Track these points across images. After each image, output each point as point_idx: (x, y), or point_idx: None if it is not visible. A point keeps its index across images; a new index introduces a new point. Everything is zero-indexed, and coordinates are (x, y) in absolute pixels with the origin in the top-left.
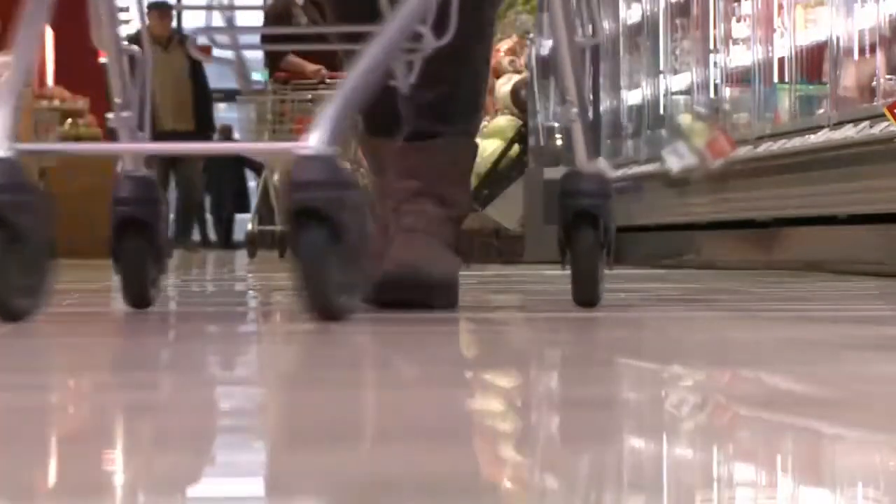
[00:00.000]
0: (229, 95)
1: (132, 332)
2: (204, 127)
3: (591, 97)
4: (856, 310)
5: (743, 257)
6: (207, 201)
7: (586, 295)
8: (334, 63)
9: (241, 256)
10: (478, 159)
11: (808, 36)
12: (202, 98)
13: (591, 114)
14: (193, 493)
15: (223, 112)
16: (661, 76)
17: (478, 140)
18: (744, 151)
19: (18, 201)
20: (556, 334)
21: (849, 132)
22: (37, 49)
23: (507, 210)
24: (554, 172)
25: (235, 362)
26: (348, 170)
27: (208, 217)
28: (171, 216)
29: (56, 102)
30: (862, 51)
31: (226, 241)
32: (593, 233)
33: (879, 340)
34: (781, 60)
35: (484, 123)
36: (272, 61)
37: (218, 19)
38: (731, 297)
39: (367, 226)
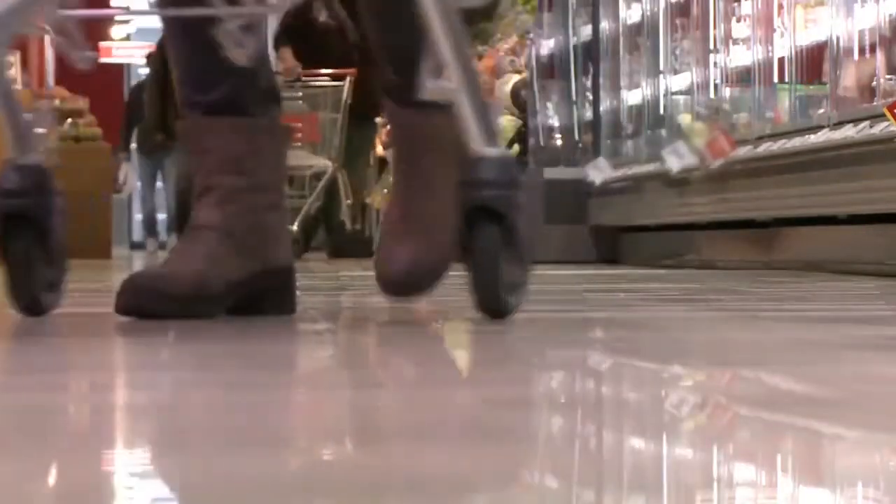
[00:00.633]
0: None
1: (130, 332)
2: None
3: (592, 97)
4: (856, 310)
5: (743, 257)
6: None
7: (488, 303)
8: (331, 60)
9: None
10: None
11: (808, 36)
12: None
13: (475, 89)
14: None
15: None
16: (661, 76)
17: None
18: (744, 151)
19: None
20: (556, 334)
21: (849, 132)
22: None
23: None
24: (554, 172)
25: (255, 362)
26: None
27: None
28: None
29: (56, 102)
30: (862, 51)
31: None
32: (495, 230)
33: (879, 340)
34: (781, 60)
35: None
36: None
37: None
38: (731, 297)
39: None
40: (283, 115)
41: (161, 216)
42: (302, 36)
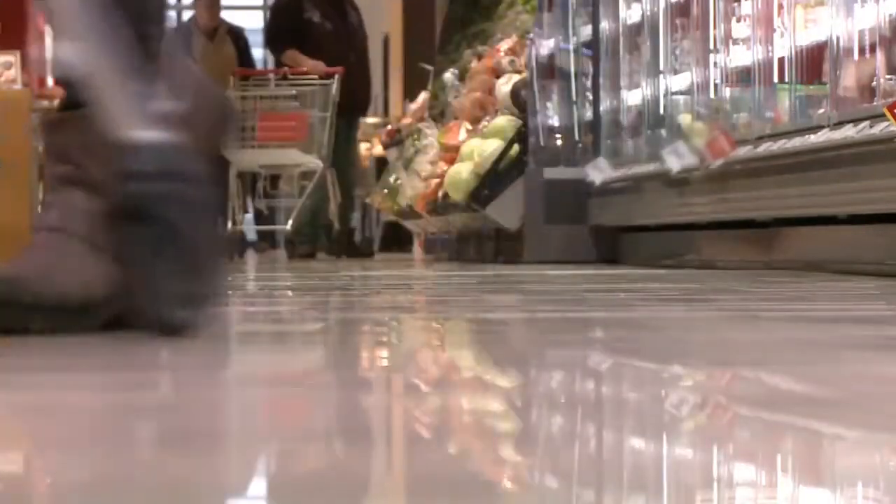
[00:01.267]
0: None
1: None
2: None
3: (592, 97)
4: (856, 310)
5: (743, 257)
6: None
7: (149, 317)
8: (328, 60)
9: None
10: (478, 159)
11: (808, 36)
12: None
13: (117, 62)
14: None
15: None
16: (661, 76)
17: (478, 140)
18: (744, 151)
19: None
20: (556, 334)
21: (849, 132)
22: None
23: (507, 210)
24: (554, 172)
25: (257, 362)
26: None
27: None
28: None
29: (56, 102)
30: (862, 51)
31: None
32: (147, 231)
33: (879, 340)
34: (781, 60)
35: (484, 123)
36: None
37: None
38: (731, 297)
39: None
40: (274, 113)
41: None
42: (299, 37)
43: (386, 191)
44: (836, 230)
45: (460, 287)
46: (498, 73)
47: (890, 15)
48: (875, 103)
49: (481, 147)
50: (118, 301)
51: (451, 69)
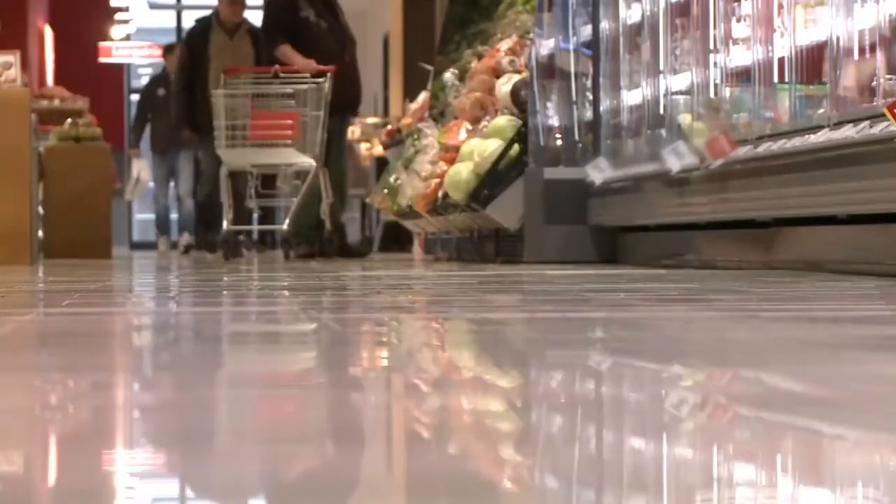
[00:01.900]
0: None
1: (125, 333)
2: None
3: (592, 97)
4: (856, 310)
5: (743, 257)
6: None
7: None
8: (323, 59)
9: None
10: (478, 159)
11: (808, 36)
12: None
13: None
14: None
15: None
16: (661, 76)
17: (478, 140)
18: (744, 151)
19: None
20: (556, 334)
21: (849, 132)
22: None
23: (507, 210)
24: (554, 172)
25: (250, 363)
26: None
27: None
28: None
29: (56, 102)
30: (862, 51)
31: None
32: None
33: (879, 340)
34: (781, 60)
35: (484, 123)
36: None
37: None
38: (731, 297)
39: None
40: (266, 111)
41: (173, 216)
42: (294, 34)
43: (386, 191)
44: (836, 230)
45: (460, 287)
46: (498, 73)
47: (890, 15)
48: (875, 103)
49: (481, 147)
50: None
51: (451, 69)
